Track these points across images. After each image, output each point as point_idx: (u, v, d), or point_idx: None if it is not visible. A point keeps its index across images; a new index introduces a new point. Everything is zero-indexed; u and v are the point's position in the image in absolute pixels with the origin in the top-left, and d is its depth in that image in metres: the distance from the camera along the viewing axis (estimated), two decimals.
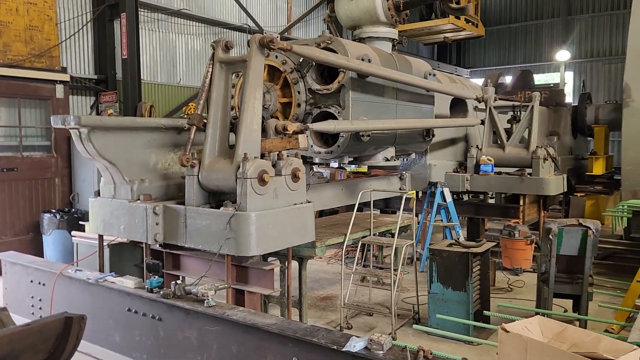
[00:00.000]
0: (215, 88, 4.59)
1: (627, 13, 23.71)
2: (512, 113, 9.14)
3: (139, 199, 4.71)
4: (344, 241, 5.52)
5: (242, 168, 4.17)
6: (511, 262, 8.16)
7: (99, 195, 5.06)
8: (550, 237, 5.17)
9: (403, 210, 6.31)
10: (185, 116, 5.49)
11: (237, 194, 4.24)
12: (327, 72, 6.62)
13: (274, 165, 4.48)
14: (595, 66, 23.62)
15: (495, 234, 10.10)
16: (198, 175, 4.53)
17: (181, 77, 12.04)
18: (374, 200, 7.33)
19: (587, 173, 14.53)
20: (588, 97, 15.47)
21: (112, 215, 4.87)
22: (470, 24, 16.61)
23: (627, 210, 8.52)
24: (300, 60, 6.15)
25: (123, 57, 9.58)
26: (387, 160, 7.10)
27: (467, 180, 8.91)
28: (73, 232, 6.17)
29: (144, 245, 4.81)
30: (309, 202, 4.79)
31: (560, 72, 23.26)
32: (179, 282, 4.07)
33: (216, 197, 4.69)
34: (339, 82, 6.01)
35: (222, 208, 4.29)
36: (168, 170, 5.13)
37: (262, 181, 4.25)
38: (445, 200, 8.46)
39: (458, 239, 8.06)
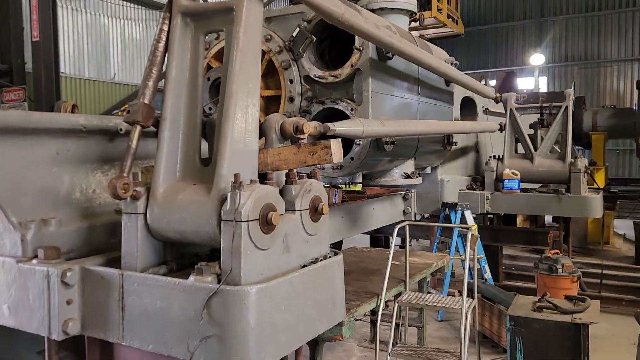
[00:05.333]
0: (176, 59, 2.70)
1: (602, 15, 23.53)
2: (539, 116, 7.65)
3: (36, 257, 2.72)
4: (378, 305, 3.70)
5: (233, 202, 2.31)
6: None
7: None
8: None
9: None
10: (120, 114, 3.72)
11: (221, 250, 2.36)
12: (329, 54, 4.89)
13: (281, 194, 2.65)
14: (570, 71, 23.09)
15: (517, 263, 8.61)
16: (145, 214, 2.61)
17: (116, 72, 9.87)
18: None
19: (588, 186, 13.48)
20: (583, 102, 14.48)
21: None
22: (450, 19, 15.35)
23: None
24: (294, 35, 4.40)
25: (34, 39, 7.38)
26: (408, 177, 5.41)
27: (487, 199, 7.32)
28: None
29: (45, 340, 2.81)
30: (335, 253, 2.97)
31: (535, 76, 22.61)
32: None
33: (177, 252, 2.79)
34: (352, 66, 4.29)
35: (192, 276, 2.39)
36: (92, 201, 3.16)
37: (267, 225, 2.40)
38: None
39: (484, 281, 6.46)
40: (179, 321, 2.35)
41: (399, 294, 4.09)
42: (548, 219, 13.35)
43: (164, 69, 2.76)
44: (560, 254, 6.83)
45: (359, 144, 4.28)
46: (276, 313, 2.38)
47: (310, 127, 2.86)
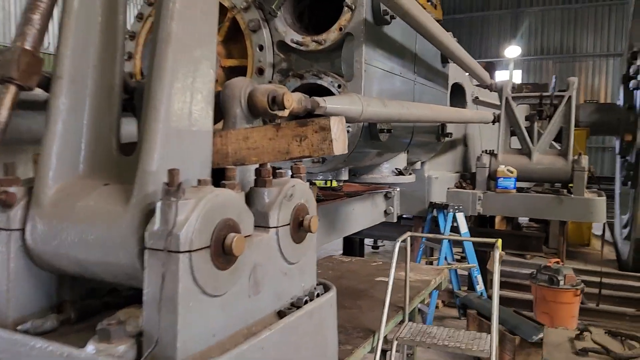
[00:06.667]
0: None
1: (579, 8, 23.28)
2: (538, 107, 6.92)
3: None
4: (375, 347, 2.81)
5: (164, 217, 1.36)
6: (553, 320, 5.88)
7: None
8: None
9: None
10: None
11: (143, 298, 1.42)
12: (310, 16, 3.97)
13: (248, 201, 1.71)
14: (545, 64, 22.78)
15: (510, 268, 7.86)
16: (24, 230, 1.64)
17: (50, 41, 8.67)
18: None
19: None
20: None
21: None
22: (429, 3, 14.55)
23: None
24: None
25: None
26: (400, 173, 4.55)
27: (479, 199, 6.56)
28: None
29: None
30: (326, 286, 2.05)
31: (510, 69, 22.24)
32: None
33: (82, 288, 1.83)
34: (341, 29, 3.38)
35: (92, 343, 1.43)
36: None
37: (223, 255, 1.47)
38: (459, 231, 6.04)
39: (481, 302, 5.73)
40: None
41: (396, 324, 3.22)
42: (523, 218, 12.82)
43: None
44: (562, 264, 6.12)
45: (349, 131, 3.37)
46: None
47: (294, 99, 1.93)
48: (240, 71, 3.67)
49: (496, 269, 2.93)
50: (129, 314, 1.59)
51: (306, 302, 1.88)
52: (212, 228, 1.42)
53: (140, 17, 3.85)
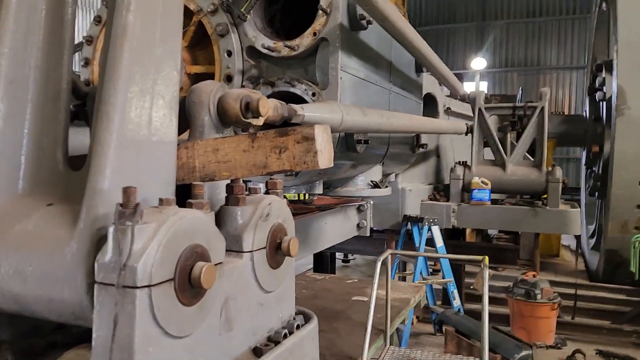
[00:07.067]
0: None
1: (542, 22, 23.87)
2: (511, 118, 6.88)
3: None
4: None
5: (115, 246, 1.13)
6: (530, 335, 5.80)
7: None
8: None
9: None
10: None
11: (92, 343, 1.18)
12: (282, 22, 3.79)
13: (218, 222, 1.50)
14: (510, 76, 23.19)
15: (471, 280, 7.77)
16: None
17: None
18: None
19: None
20: None
21: None
22: None
23: None
24: None
25: None
26: (375, 186, 4.40)
27: (453, 212, 6.46)
28: None
29: None
30: (306, 316, 1.85)
31: (476, 81, 22.50)
32: None
33: (22, 326, 1.57)
34: (315, 34, 3.21)
35: None
36: None
37: (190, 289, 1.25)
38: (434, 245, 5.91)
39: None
40: None
41: (377, 348, 3.03)
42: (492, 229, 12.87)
43: None
44: (538, 277, 6.06)
45: None
46: None
47: (270, 106, 1.73)
48: (207, 78, 3.43)
49: (485, 289, 2.78)
50: (78, 358, 1.36)
51: (285, 335, 1.67)
52: (176, 257, 1.21)
53: (98, 20, 3.61)
